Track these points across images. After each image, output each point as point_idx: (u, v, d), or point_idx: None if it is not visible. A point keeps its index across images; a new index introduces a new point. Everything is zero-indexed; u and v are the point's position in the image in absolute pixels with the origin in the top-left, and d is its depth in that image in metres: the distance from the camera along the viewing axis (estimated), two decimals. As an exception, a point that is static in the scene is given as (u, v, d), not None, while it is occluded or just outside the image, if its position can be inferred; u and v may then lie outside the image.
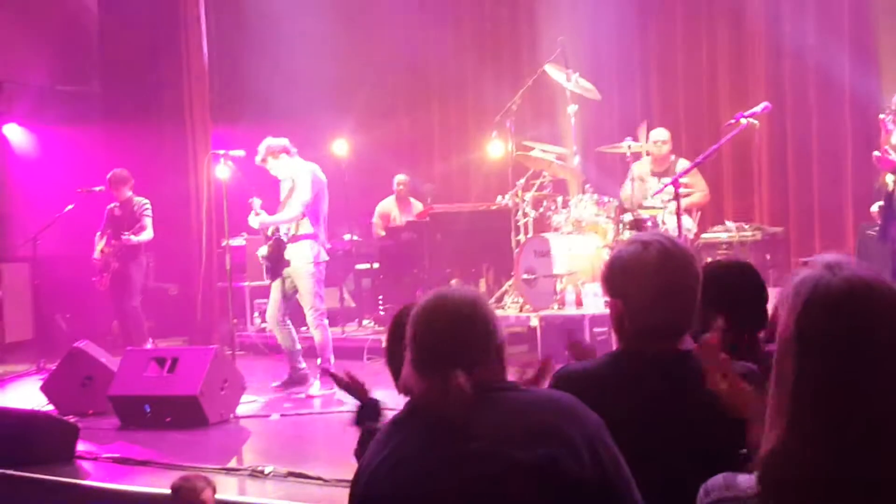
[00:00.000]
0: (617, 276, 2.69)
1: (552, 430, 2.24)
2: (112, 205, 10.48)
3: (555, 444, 2.22)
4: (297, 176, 8.41)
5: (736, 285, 3.23)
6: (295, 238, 8.38)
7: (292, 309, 8.65)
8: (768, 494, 1.71)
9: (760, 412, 1.80)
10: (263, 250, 8.48)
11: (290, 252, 8.39)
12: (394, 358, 3.15)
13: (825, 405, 1.67)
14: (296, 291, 8.51)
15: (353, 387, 3.51)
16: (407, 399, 3.08)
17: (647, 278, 2.62)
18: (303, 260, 8.39)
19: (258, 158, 8.47)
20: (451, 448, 2.25)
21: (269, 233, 8.42)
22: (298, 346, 8.67)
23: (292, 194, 8.40)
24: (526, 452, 2.20)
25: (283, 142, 8.47)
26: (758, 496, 1.73)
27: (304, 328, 8.83)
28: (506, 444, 2.22)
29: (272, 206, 8.56)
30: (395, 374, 3.12)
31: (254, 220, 8.44)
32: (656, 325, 2.63)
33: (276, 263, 8.40)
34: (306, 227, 8.40)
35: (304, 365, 8.65)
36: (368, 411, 3.45)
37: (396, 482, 2.30)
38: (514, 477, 2.20)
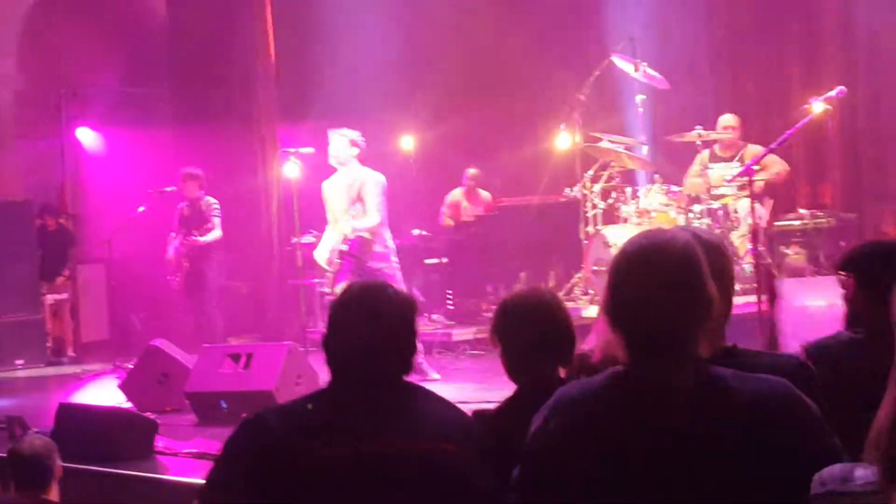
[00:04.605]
0: None
1: (763, 436, 2.03)
2: (182, 204, 10.58)
3: (762, 455, 2.01)
4: (365, 183, 8.40)
5: None
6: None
7: None
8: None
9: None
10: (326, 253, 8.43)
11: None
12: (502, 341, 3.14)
13: None
14: None
15: None
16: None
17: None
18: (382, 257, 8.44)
19: (337, 131, 8.46)
20: (660, 439, 2.07)
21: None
22: None
23: (363, 198, 8.38)
24: (725, 458, 2.03)
25: (363, 144, 8.53)
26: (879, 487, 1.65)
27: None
28: (712, 445, 2.03)
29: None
30: (505, 360, 3.13)
31: (347, 225, 8.38)
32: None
33: (362, 265, 8.40)
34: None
35: None
36: None
37: (588, 451, 2.14)
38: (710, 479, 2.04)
